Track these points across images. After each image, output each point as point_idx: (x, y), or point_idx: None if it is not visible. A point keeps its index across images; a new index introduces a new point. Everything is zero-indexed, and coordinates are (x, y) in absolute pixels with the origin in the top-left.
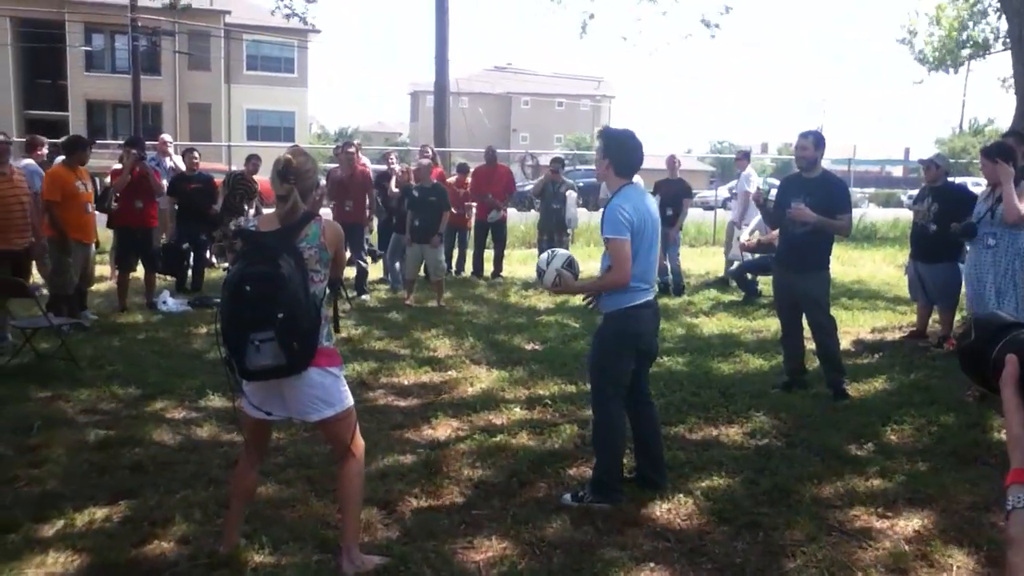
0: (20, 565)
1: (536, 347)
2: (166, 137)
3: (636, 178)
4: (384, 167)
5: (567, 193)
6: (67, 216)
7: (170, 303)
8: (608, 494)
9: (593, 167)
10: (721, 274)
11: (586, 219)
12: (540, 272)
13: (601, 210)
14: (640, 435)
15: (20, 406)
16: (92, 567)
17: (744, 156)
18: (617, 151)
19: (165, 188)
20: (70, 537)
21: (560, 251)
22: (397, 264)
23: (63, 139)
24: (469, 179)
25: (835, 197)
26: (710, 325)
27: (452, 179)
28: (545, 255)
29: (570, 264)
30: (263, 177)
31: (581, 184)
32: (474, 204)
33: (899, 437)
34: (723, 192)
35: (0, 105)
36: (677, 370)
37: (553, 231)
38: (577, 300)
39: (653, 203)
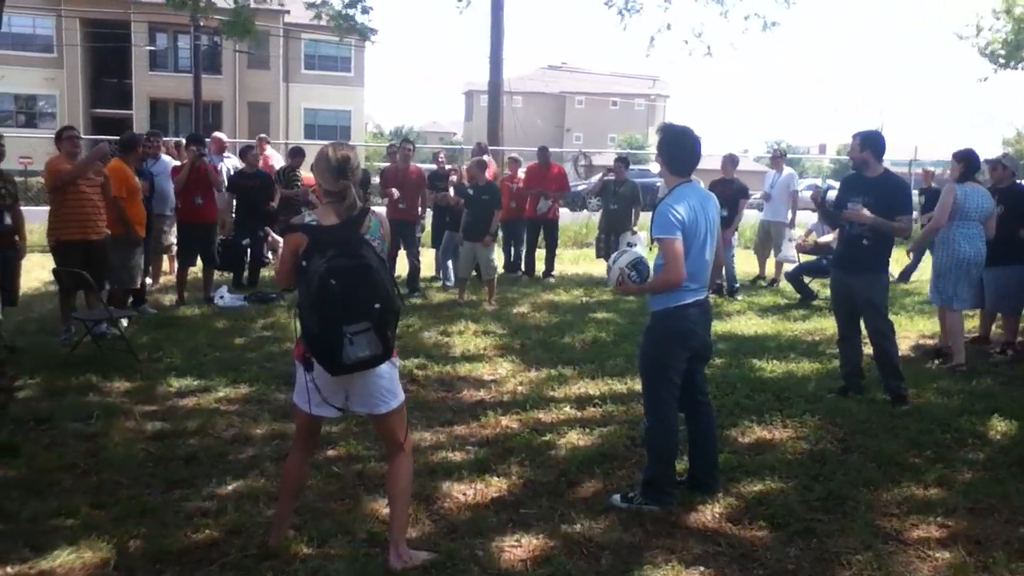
0: (79, 549)
1: (586, 346)
2: (219, 135)
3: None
4: (435, 166)
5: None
6: (132, 212)
7: (227, 298)
8: (659, 497)
9: (646, 167)
10: (772, 276)
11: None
12: (608, 269)
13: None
14: (696, 437)
15: (80, 396)
16: (146, 553)
17: (780, 155)
18: (670, 148)
19: (224, 185)
20: (125, 523)
21: (631, 251)
22: (449, 262)
23: (120, 136)
24: (522, 172)
25: (895, 198)
26: (763, 327)
27: (505, 174)
28: (616, 253)
29: (636, 265)
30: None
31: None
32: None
33: (959, 445)
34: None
35: (70, 103)
36: (730, 373)
37: (611, 231)
38: (631, 301)
39: (712, 202)
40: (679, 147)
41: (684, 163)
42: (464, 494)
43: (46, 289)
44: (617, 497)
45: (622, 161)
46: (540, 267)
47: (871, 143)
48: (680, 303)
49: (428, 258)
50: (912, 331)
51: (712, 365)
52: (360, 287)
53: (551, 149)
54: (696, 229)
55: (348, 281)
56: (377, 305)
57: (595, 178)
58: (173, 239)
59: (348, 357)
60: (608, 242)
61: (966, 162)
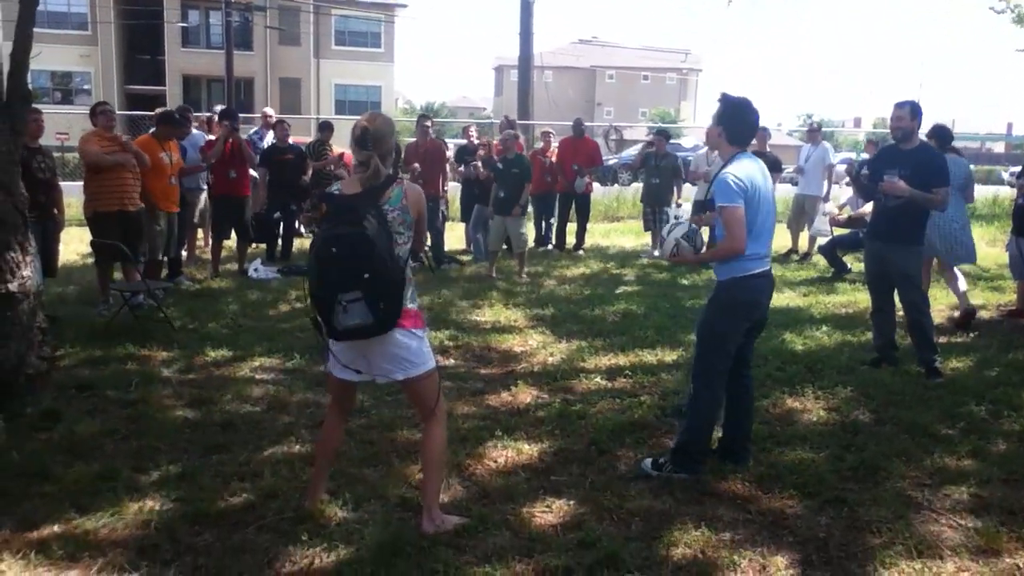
0: (120, 510)
1: (616, 318)
2: (268, 111)
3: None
4: (464, 141)
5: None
6: (153, 186)
7: (261, 270)
8: (690, 465)
9: (677, 141)
10: (805, 251)
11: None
12: (661, 241)
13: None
14: (733, 408)
15: (119, 365)
16: (185, 515)
17: (816, 129)
18: (731, 119)
19: (258, 159)
20: (165, 487)
21: (684, 222)
22: (479, 235)
23: (156, 112)
24: (555, 146)
25: (931, 170)
26: (795, 300)
27: (538, 146)
28: (670, 224)
29: (691, 235)
30: (337, 148)
31: None
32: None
33: (994, 417)
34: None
35: (105, 80)
36: (761, 345)
37: (656, 204)
38: (661, 274)
39: (766, 172)
40: (739, 117)
41: (743, 133)
42: (495, 461)
43: (84, 261)
44: (648, 462)
45: (662, 134)
46: (571, 240)
47: (920, 113)
48: (747, 273)
49: (459, 231)
50: (947, 304)
51: None
52: (352, 256)
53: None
54: (758, 198)
55: (343, 249)
56: (367, 275)
57: (627, 152)
58: (203, 212)
59: (340, 324)
60: (655, 215)
61: (939, 137)
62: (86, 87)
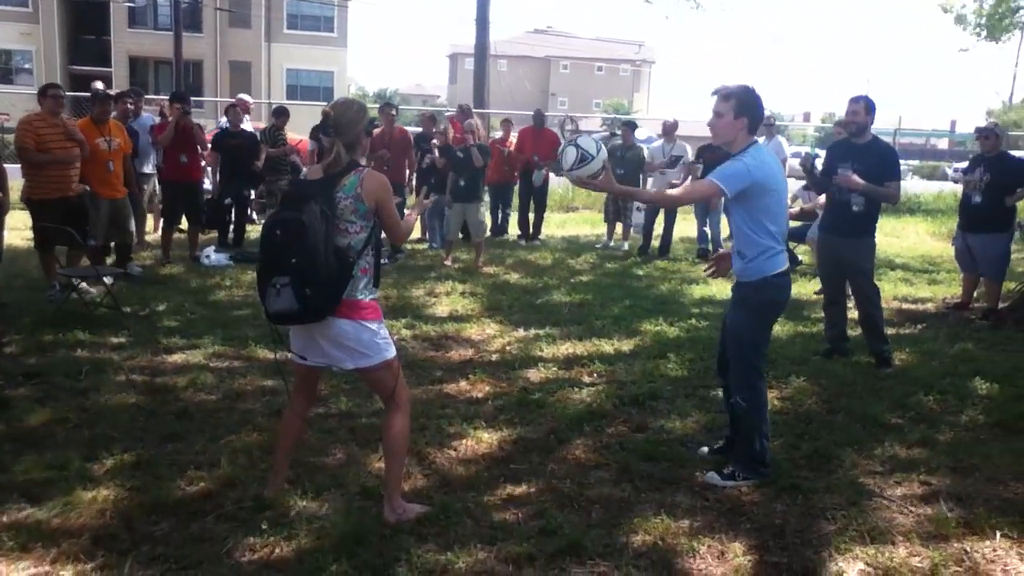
0: (73, 500)
1: (573, 308)
2: (246, 97)
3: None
4: (420, 129)
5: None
6: (89, 171)
7: (213, 257)
8: (763, 469)
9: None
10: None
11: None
12: (583, 156)
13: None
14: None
15: (69, 352)
16: (142, 505)
17: (770, 123)
18: (753, 109)
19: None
20: (120, 476)
21: (600, 143)
22: (436, 224)
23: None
24: (514, 136)
25: (884, 164)
26: None
27: (496, 135)
28: (587, 139)
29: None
30: (292, 134)
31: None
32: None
33: (942, 407)
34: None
35: (47, 59)
36: (715, 335)
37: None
38: (615, 265)
39: (778, 160)
40: (758, 107)
41: (759, 122)
42: (455, 450)
43: (28, 245)
44: (715, 475)
45: (629, 126)
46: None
47: (874, 108)
48: (777, 271)
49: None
50: (895, 296)
51: (696, 327)
52: (285, 240)
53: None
54: (777, 187)
55: (280, 233)
56: (294, 260)
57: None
58: (153, 197)
59: (270, 306)
60: (616, 207)
61: None
62: (27, 66)
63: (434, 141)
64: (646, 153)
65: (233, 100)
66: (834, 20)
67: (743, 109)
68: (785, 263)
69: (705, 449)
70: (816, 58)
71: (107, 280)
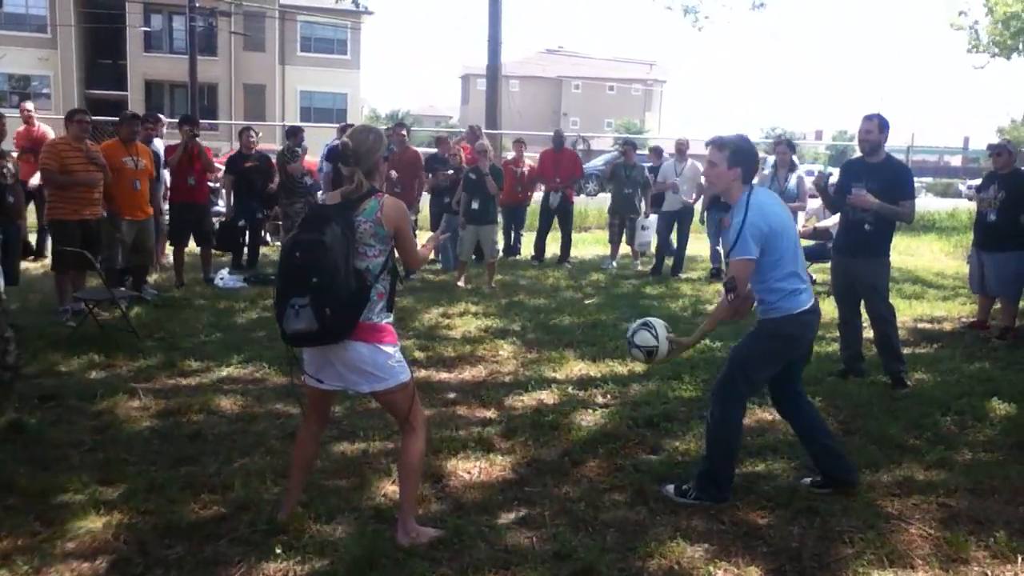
0: (87, 523)
1: (587, 329)
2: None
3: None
4: (434, 150)
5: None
6: (115, 191)
7: (227, 279)
8: (715, 493)
9: (643, 152)
10: None
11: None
12: (649, 351)
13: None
14: (813, 436)
15: (84, 374)
16: (156, 528)
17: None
18: (746, 159)
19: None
20: (134, 499)
21: (651, 320)
22: (448, 245)
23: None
24: (527, 155)
25: (898, 183)
26: None
27: (508, 156)
28: (641, 332)
29: (647, 327)
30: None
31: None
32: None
33: (960, 428)
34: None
35: (65, 84)
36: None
37: (625, 214)
38: (627, 285)
39: (778, 199)
40: (752, 157)
41: (753, 172)
42: (469, 472)
43: (44, 269)
44: (670, 488)
45: (630, 144)
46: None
47: (888, 126)
48: (802, 308)
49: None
50: (910, 316)
51: (710, 348)
52: (305, 261)
53: (550, 134)
54: (783, 231)
55: (300, 254)
56: (315, 280)
57: (593, 163)
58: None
59: (288, 327)
60: (621, 226)
61: None
62: (45, 91)
63: (450, 161)
64: (659, 172)
65: (246, 124)
66: (847, 35)
67: (737, 159)
68: (811, 300)
69: (807, 480)
70: (828, 74)
71: (122, 303)
